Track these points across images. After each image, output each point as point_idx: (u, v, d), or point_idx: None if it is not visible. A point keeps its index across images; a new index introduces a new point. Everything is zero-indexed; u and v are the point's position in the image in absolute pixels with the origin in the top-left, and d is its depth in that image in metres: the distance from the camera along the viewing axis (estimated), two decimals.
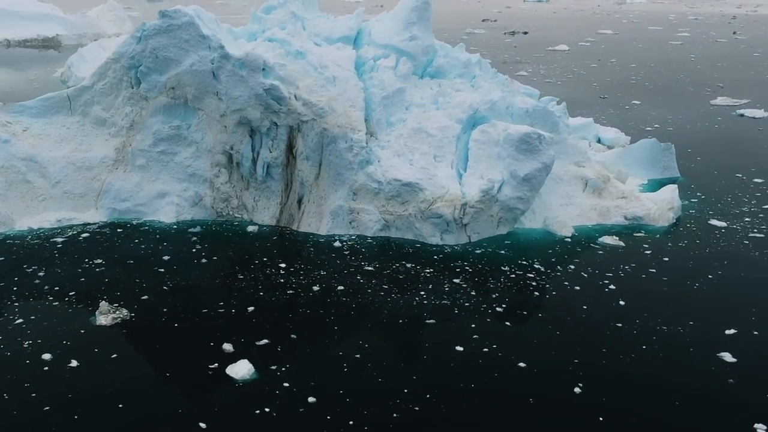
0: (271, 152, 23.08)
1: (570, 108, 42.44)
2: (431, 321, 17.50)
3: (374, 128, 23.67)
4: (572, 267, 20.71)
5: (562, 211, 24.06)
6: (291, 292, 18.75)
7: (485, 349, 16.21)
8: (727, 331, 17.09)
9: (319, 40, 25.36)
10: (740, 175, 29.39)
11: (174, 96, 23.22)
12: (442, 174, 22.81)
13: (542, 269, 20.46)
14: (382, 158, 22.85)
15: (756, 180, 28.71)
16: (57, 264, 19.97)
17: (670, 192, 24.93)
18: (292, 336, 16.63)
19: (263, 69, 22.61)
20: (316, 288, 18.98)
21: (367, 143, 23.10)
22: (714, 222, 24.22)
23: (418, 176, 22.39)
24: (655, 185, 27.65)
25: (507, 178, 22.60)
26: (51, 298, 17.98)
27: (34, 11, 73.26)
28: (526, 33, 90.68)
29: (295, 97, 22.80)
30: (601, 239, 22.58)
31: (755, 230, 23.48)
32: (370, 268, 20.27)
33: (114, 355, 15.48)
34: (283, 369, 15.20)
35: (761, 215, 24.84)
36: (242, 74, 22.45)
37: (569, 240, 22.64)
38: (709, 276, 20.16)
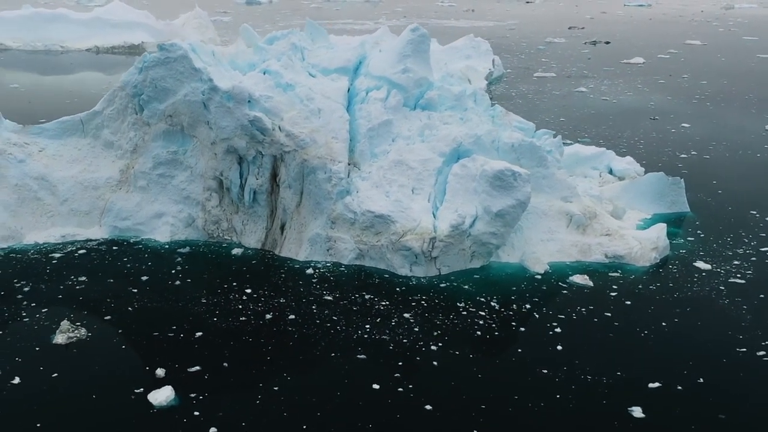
0: (257, 179, 24.28)
1: (613, 129, 42.23)
2: (362, 356, 18.20)
3: (358, 159, 24.50)
4: (528, 306, 20.93)
5: (542, 247, 24.17)
6: (243, 318, 19.85)
7: (400, 389, 16.80)
8: (651, 384, 17.01)
9: (317, 70, 26.34)
10: (754, 212, 28.49)
11: (172, 123, 24.77)
12: (418, 207, 23.39)
13: (497, 307, 20.78)
14: (361, 189, 23.65)
15: None
16: (45, 279, 21.81)
17: (657, 231, 24.57)
18: (225, 364, 17.70)
19: (249, 101, 23.82)
20: (268, 316, 20.01)
21: (349, 174, 23.98)
22: (699, 264, 23.75)
23: (390, 208, 23.07)
24: (659, 220, 27.21)
25: (480, 213, 22.97)
26: (24, 314, 19.75)
27: (125, 19, 77.58)
28: (608, 43, 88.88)
29: (279, 128, 23.90)
30: (571, 278, 22.61)
31: (738, 275, 22.92)
32: (328, 298, 21.14)
33: (54, 375, 16.96)
34: (201, 397, 16.29)
35: (753, 258, 24.17)
36: (229, 106, 23.74)
37: (539, 277, 22.77)
38: (663, 324, 19.95)
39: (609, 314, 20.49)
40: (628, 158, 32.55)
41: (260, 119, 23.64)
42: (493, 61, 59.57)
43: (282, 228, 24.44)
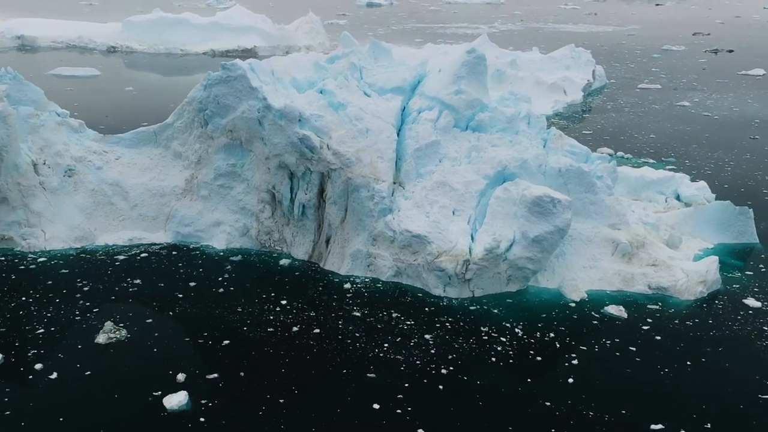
0: (305, 194, 25.35)
1: (704, 149, 40.65)
2: (371, 375, 18.83)
3: (403, 179, 25.09)
4: (552, 335, 20.87)
5: (583, 274, 23.95)
6: (270, 329, 20.90)
7: (398, 410, 17.33)
8: (654, 426, 16.75)
9: (373, 90, 27.07)
10: None
11: (232, 137, 26.24)
12: (456, 228, 23.74)
13: (520, 334, 20.85)
14: (402, 208, 24.24)
15: None
16: (104, 280, 23.66)
17: (707, 264, 23.76)
18: (241, 373, 18.79)
19: (300, 120, 24.89)
20: (295, 328, 20.96)
21: (393, 193, 24.62)
22: (748, 301, 22.86)
23: (428, 229, 23.53)
24: (722, 251, 26.36)
25: (518, 237, 23.06)
26: (77, 312, 21.59)
27: (242, 23, 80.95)
28: (731, 51, 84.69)
29: (327, 146, 24.84)
30: (605, 308, 22.31)
31: None
32: (357, 314, 21.87)
33: (87, 373, 18.57)
34: (210, 405, 17.41)
35: None
36: (281, 124, 24.91)
37: (573, 305, 22.61)
38: (688, 362, 19.45)
39: (633, 348, 20.17)
40: (701, 183, 31.33)
41: (309, 138, 24.66)
42: (594, 71, 58.34)
43: (327, 242, 25.39)
